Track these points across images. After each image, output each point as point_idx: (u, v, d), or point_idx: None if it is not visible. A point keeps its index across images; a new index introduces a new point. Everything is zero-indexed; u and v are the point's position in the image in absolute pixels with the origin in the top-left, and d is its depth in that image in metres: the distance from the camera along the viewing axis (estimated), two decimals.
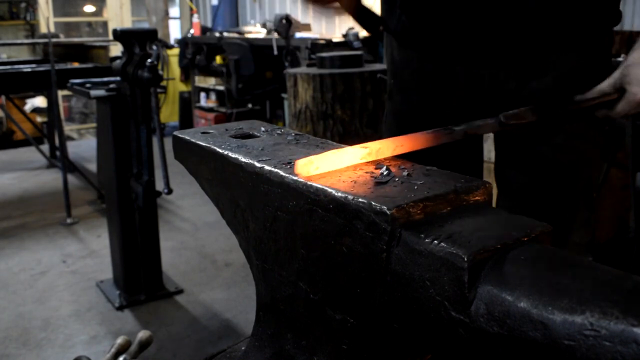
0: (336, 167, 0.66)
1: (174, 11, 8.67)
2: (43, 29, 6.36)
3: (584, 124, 1.16)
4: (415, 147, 0.73)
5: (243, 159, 0.71)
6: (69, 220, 3.89)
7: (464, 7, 1.11)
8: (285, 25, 5.04)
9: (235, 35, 5.95)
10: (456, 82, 1.20)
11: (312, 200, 0.61)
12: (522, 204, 1.19)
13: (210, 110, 6.47)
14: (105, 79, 3.11)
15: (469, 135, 0.84)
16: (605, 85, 1.05)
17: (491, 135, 1.32)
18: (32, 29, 7.98)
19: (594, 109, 1.06)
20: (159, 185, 2.71)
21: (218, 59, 6.05)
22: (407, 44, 1.24)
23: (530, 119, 0.94)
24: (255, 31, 6.02)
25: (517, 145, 1.21)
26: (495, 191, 2.57)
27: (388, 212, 0.53)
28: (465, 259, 0.48)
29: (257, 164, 0.69)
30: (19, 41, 7.01)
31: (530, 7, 1.08)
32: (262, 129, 0.88)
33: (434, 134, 0.78)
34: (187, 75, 6.82)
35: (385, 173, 0.64)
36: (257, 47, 5.49)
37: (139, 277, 2.82)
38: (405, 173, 0.65)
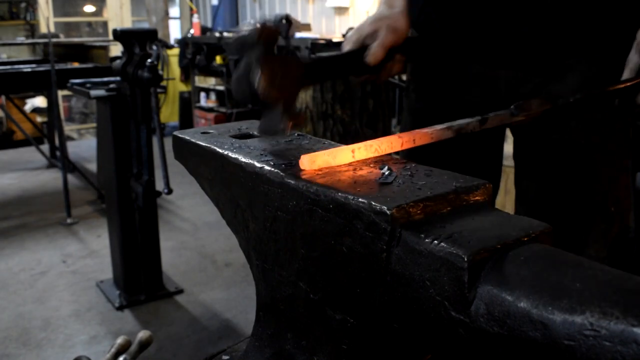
0: (341, 162, 0.67)
1: (174, 11, 8.67)
2: (43, 29, 6.37)
3: (604, 136, 1.13)
4: (425, 141, 0.74)
5: (243, 159, 0.71)
6: (69, 220, 3.88)
7: (484, 7, 1.10)
8: (285, 25, 5.04)
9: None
10: (472, 81, 1.19)
11: (312, 200, 0.61)
12: (538, 215, 1.17)
13: (210, 110, 6.47)
14: (105, 79, 3.11)
15: (483, 129, 0.83)
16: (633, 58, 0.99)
17: (511, 139, 1.31)
18: (32, 29, 7.98)
19: (616, 97, 1.00)
20: (159, 185, 2.71)
21: (218, 59, 6.05)
22: (429, 39, 1.23)
23: (543, 108, 0.90)
24: None
25: (535, 156, 1.19)
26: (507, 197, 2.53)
27: (388, 212, 0.53)
28: (465, 259, 0.48)
29: (257, 164, 0.69)
30: (19, 41, 7.00)
31: (551, 8, 1.06)
32: None
33: (445, 129, 0.77)
34: (187, 75, 6.82)
35: (386, 173, 0.64)
36: None
37: (139, 277, 2.82)
38: (405, 173, 0.65)
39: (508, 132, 1.33)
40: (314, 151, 0.71)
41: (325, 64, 1.00)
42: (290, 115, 0.76)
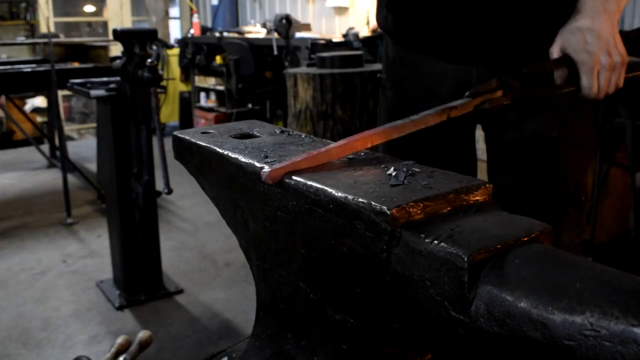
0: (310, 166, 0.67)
1: (174, 11, 8.67)
2: (43, 29, 6.36)
3: (574, 129, 1.16)
4: (388, 137, 0.75)
5: (243, 159, 0.71)
6: (69, 220, 3.88)
7: (454, 7, 1.11)
8: (285, 25, 5.04)
9: (235, 35, 5.95)
10: (447, 79, 1.20)
11: (312, 200, 0.61)
12: (511, 207, 1.19)
13: (210, 110, 6.46)
14: (105, 79, 3.11)
15: (450, 118, 0.85)
16: (551, 52, 1.01)
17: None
18: (32, 29, 7.98)
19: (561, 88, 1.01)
20: (159, 185, 2.71)
21: (218, 59, 6.05)
22: (399, 41, 1.25)
23: (495, 87, 0.92)
24: (255, 31, 6.02)
25: (507, 150, 1.21)
26: None
27: (388, 212, 0.53)
28: (465, 259, 0.48)
29: (257, 164, 0.69)
30: (19, 41, 7.01)
31: (522, 8, 1.07)
32: (263, 129, 0.88)
33: (409, 122, 0.79)
34: (187, 75, 6.82)
35: (386, 173, 0.64)
36: (257, 47, 5.49)
37: (139, 277, 2.82)
38: (406, 173, 0.65)
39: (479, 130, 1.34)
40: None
41: None
42: None
